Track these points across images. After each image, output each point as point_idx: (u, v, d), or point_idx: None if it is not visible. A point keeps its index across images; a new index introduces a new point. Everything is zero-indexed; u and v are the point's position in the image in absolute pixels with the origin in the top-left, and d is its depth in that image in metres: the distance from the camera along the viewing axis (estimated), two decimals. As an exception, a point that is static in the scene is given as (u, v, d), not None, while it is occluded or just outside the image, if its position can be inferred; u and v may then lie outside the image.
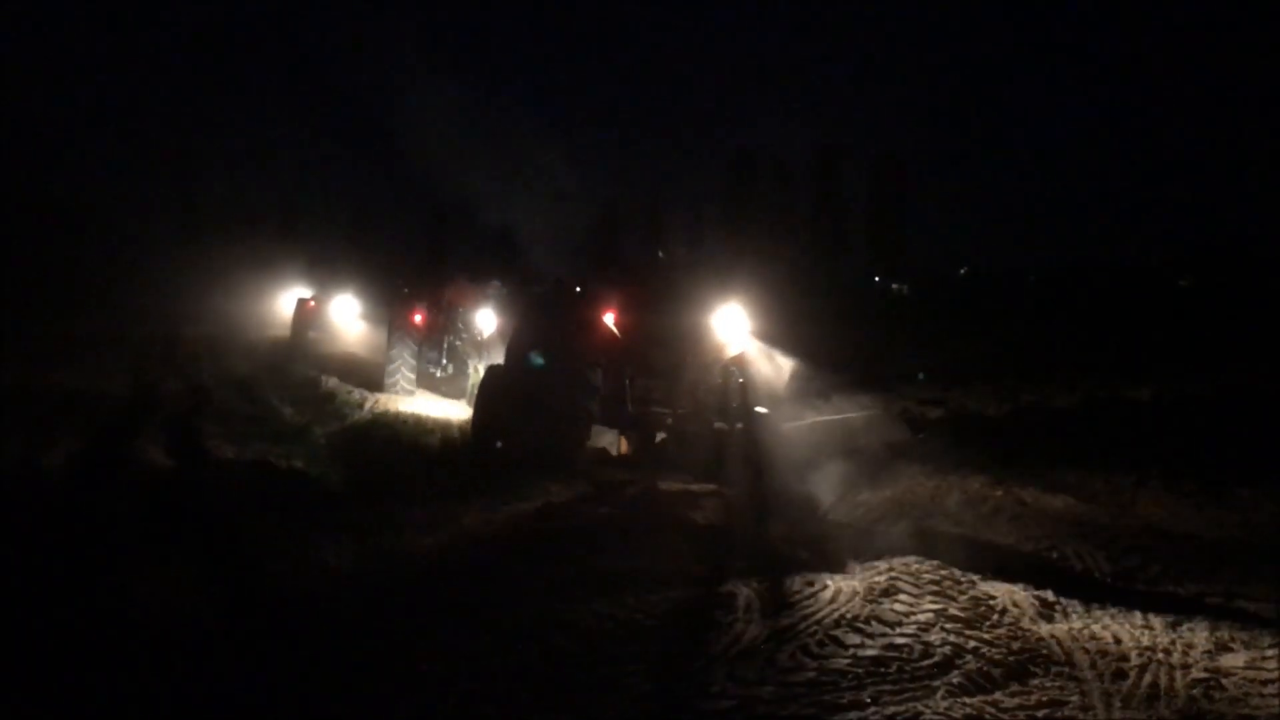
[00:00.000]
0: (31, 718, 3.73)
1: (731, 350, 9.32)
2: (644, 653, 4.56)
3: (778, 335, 10.50)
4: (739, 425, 8.42)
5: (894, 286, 45.36)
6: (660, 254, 12.31)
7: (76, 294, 28.67)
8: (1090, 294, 34.28)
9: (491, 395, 9.31)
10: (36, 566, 5.16)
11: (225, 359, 19.19)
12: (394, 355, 15.42)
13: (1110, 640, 4.45)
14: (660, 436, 9.24)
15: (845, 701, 3.82)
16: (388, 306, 17.47)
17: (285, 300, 26.63)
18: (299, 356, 19.73)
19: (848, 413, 9.86)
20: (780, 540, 6.66)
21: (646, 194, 53.77)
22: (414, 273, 19.18)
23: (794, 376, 10.15)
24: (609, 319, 9.31)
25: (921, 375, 15.12)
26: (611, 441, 9.72)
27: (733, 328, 9.52)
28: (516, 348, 9.75)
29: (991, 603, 4.89)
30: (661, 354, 9.46)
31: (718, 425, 8.65)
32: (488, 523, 7.08)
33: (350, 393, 14.86)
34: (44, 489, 6.73)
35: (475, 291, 15.67)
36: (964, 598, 4.93)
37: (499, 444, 8.73)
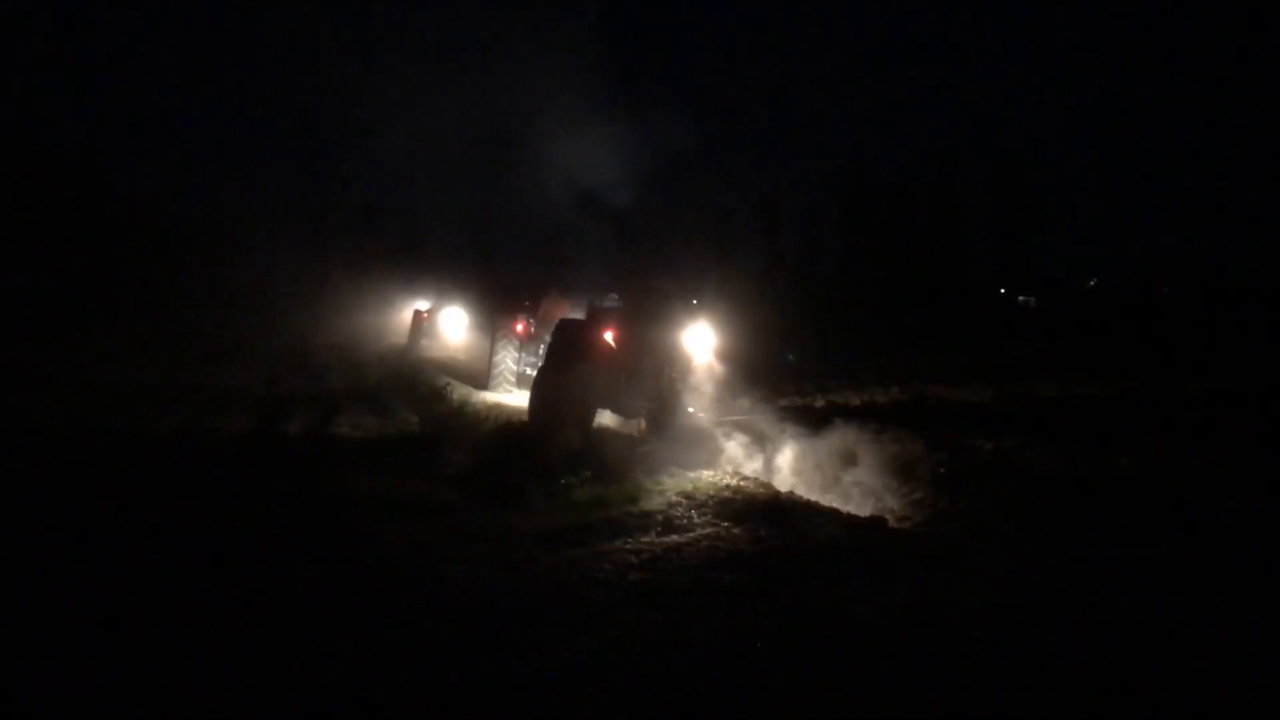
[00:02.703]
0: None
1: (697, 360, 12.46)
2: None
3: (738, 349, 13.77)
4: (679, 416, 11.98)
5: (1020, 299, 43.24)
6: (654, 284, 14.81)
7: (222, 308, 31.04)
8: (1211, 305, 32.10)
9: (536, 391, 12.43)
10: (213, 491, 7.77)
11: (353, 367, 20.25)
12: (498, 360, 17.63)
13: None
14: (641, 422, 12.53)
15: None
16: (493, 317, 19.42)
17: (404, 311, 28.46)
18: (414, 363, 21.54)
19: (749, 412, 14.18)
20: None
21: (763, 205, 53.46)
22: (529, 287, 20.72)
23: (724, 383, 13.37)
24: (609, 336, 12.23)
25: (791, 357, 18.59)
26: (635, 425, 12.82)
27: (699, 343, 12.56)
28: (550, 355, 12.76)
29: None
30: (650, 361, 12.18)
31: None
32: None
33: (474, 406, 15.43)
34: (216, 449, 9.62)
35: (568, 304, 17.27)
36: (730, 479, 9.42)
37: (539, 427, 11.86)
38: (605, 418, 13.15)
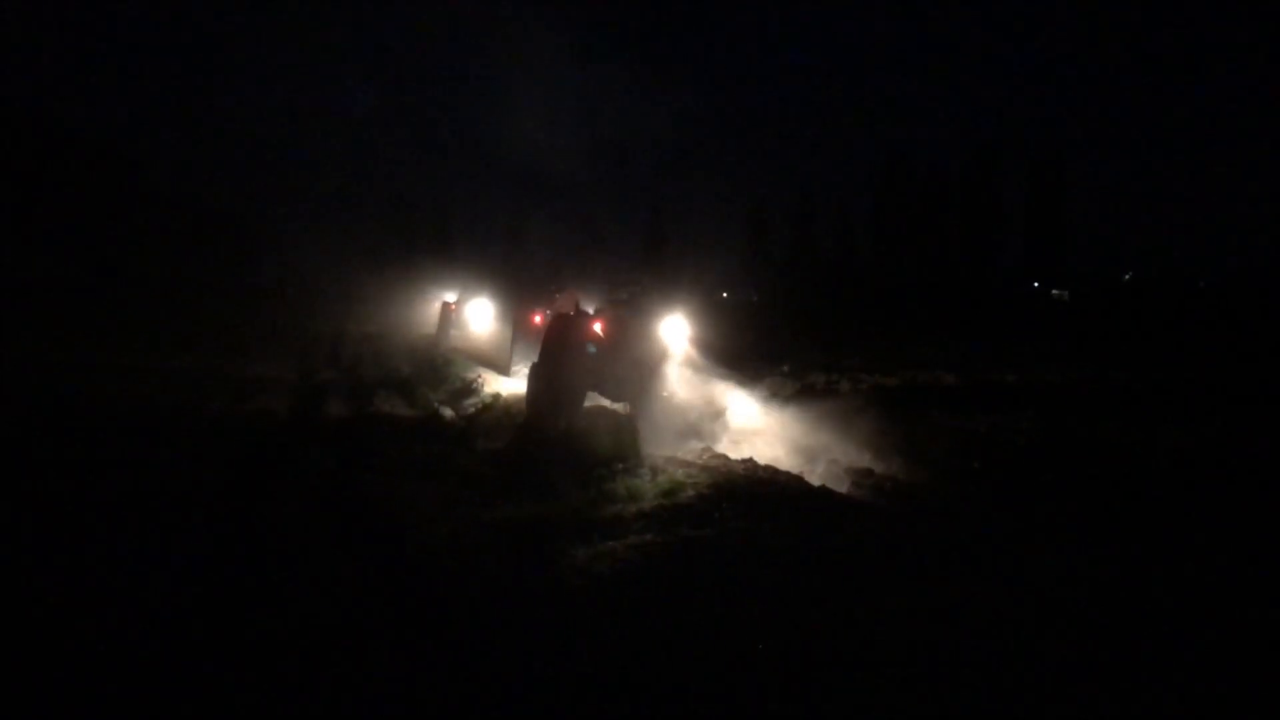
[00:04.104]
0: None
1: (673, 349, 13.41)
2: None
3: (710, 339, 14.63)
4: (657, 399, 13.01)
5: (1054, 293, 42.63)
6: (636, 286, 15.75)
7: (256, 300, 31.52)
8: (1249, 300, 31.51)
9: (532, 378, 13.48)
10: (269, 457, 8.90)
11: (386, 358, 20.45)
12: (517, 349, 18.51)
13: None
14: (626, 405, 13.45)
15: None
16: (514, 309, 20.51)
17: (433, 303, 28.86)
18: (444, 354, 22.08)
19: (755, 393, 15.24)
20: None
21: (796, 194, 53.17)
22: (552, 280, 21.33)
23: (697, 369, 14.34)
24: (597, 327, 13.23)
25: (785, 368, 20.13)
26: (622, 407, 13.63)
27: (674, 333, 13.54)
28: (544, 346, 13.75)
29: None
30: (633, 349, 13.05)
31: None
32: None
33: (505, 399, 15.61)
34: (257, 430, 10.64)
35: (583, 297, 17.54)
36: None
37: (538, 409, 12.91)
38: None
